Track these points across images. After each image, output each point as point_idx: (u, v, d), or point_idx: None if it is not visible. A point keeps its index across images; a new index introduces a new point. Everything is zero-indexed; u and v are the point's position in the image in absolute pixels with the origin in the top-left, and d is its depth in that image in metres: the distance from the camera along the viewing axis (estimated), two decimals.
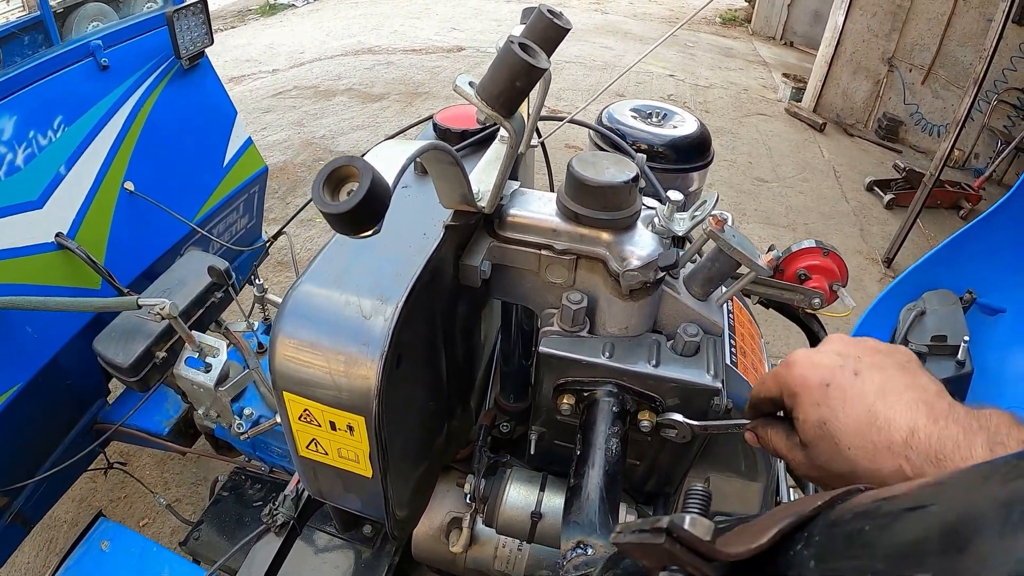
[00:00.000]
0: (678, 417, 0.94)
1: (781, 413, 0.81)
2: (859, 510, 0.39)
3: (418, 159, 0.83)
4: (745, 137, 7.54)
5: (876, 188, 6.50)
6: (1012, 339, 2.29)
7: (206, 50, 2.92)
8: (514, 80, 0.77)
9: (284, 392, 0.86)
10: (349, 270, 0.88)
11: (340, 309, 0.83)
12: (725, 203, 6.03)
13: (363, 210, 0.57)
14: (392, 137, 1.10)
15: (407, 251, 0.89)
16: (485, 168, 1.01)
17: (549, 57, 0.83)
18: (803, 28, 11.05)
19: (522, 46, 0.77)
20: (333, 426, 0.86)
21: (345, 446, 0.88)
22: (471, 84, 0.81)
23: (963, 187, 6.29)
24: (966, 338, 2.02)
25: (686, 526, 0.41)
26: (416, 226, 0.94)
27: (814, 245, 1.59)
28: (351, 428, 0.85)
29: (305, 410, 0.86)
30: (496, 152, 1.03)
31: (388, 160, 0.64)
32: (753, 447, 0.87)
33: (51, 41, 3.44)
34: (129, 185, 2.56)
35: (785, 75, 9.36)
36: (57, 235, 2.27)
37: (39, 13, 3.32)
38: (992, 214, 2.26)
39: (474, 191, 0.92)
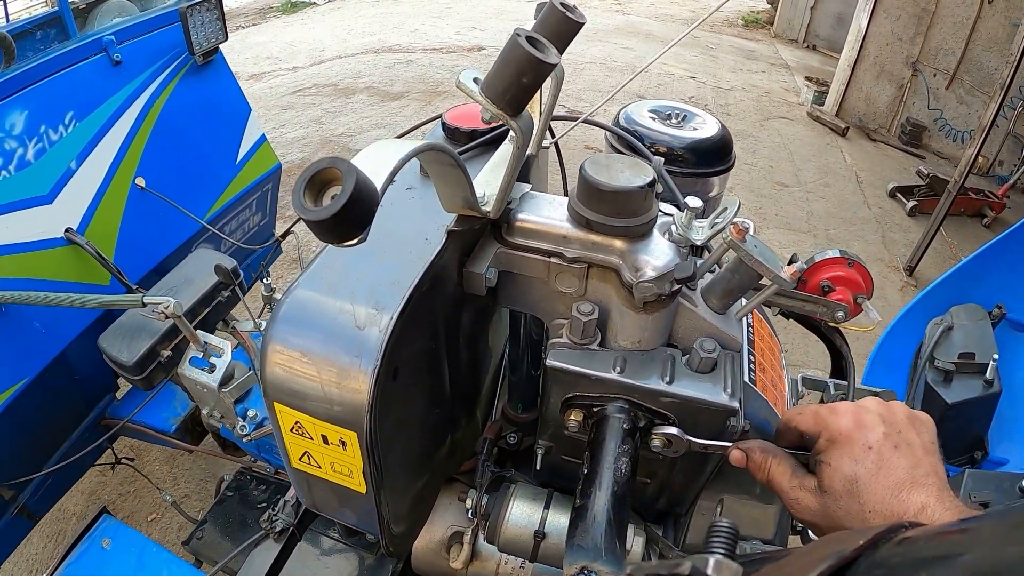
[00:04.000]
0: (674, 431, 0.90)
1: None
2: (911, 555, 0.36)
3: (420, 161, 0.79)
4: (766, 141, 7.45)
5: (899, 194, 6.39)
6: None
7: (220, 46, 2.90)
8: (521, 76, 0.72)
9: (275, 403, 0.82)
10: (346, 276, 0.83)
11: (334, 317, 0.79)
12: (745, 207, 5.95)
13: (345, 217, 0.52)
14: (400, 137, 1.06)
15: (407, 257, 0.85)
16: (492, 170, 0.96)
17: (561, 52, 0.78)
18: (826, 31, 10.92)
19: (530, 40, 0.72)
20: (325, 440, 0.82)
21: (338, 460, 0.84)
22: (476, 80, 0.76)
23: (987, 195, 6.17)
24: (995, 356, 1.95)
25: (710, 571, 0.36)
26: (419, 231, 0.89)
27: (838, 255, 1.53)
28: (343, 443, 0.80)
29: (297, 422, 0.82)
30: (504, 153, 0.98)
31: (378, 162, 0.59)
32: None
33: (68, 35, 3.46)
34: (140, 181, 2.54)
35: (807, 78, 9.25)
36: (67, 230, 2.25)
37: (57, 8, 3.33)
38: (1022, 227, 2.18)
39: (479, 194, 0.87)
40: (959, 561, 0.33)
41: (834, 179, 6.74)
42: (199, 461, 3.46)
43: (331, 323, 0.78)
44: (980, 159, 6.47)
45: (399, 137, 1.08)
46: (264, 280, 2.07)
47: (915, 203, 6.15)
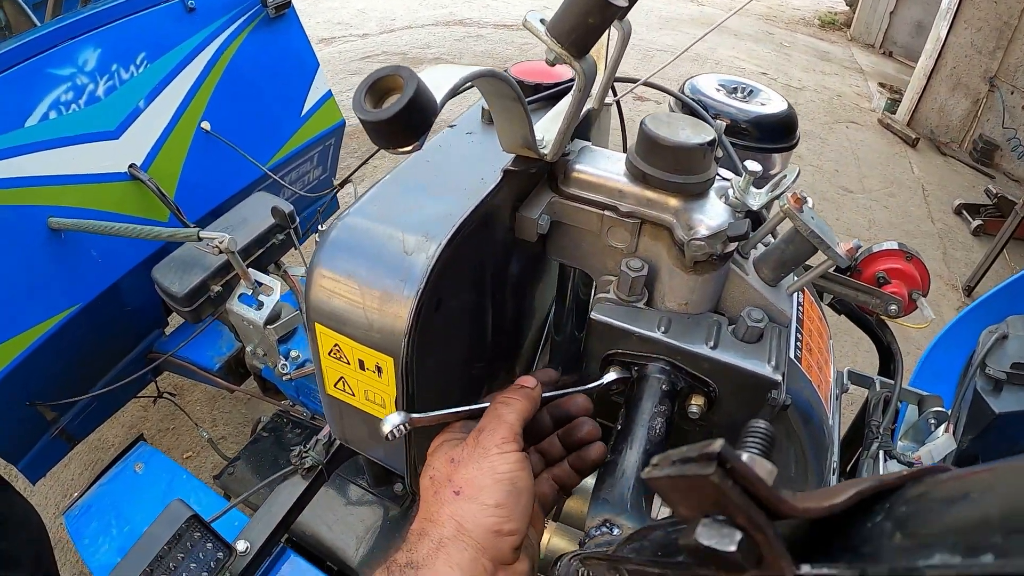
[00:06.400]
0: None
1: None
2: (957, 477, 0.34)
3: (481, 93, 0.78)
4: (834, 144, 7.27)
5: (964, 212, 6.18)
6: None
7: (293, 1, 2.93)
8: (587, 16, 0.71)
9: (316, 324, 0.82)
10: (397, 207, 0.83)
11: (382, 243, 0.79)
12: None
13: (403, 120, 0.52)
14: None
15: (461, 194, 0.84)
16: (553, 118, 0.95)
17: (629, 7, 0.77)
18: (904, 38, 10.59)
19: None
20: (362, 365, 0.82)
21: (372, 388, 0.84)
22: (542, 21, 0.75)
23: None
24: None
25: (744, 460, 0.33)
26: (475, 172, 0.89)
27: (897, 247, 1.49)
28: (379, 369, 0.81)
29: (335, 345, 0.82)
30: (566, 104, 0.98)
31: (439, 79, 0.59)
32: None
33: None
34: (206, 125, 2.59)
35: (881, 85, 8.99)
36: (131, 166, 2.32)
37: None
38: None
39: (539, 137, 0.87)
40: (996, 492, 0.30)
41: (899, 189, 6.56)
42: (239, 405, 3.54)
43: (379, 248, 0.78)
44: None
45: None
46: (320, 228, 2.08)
47: (980, 222, 5.95)
